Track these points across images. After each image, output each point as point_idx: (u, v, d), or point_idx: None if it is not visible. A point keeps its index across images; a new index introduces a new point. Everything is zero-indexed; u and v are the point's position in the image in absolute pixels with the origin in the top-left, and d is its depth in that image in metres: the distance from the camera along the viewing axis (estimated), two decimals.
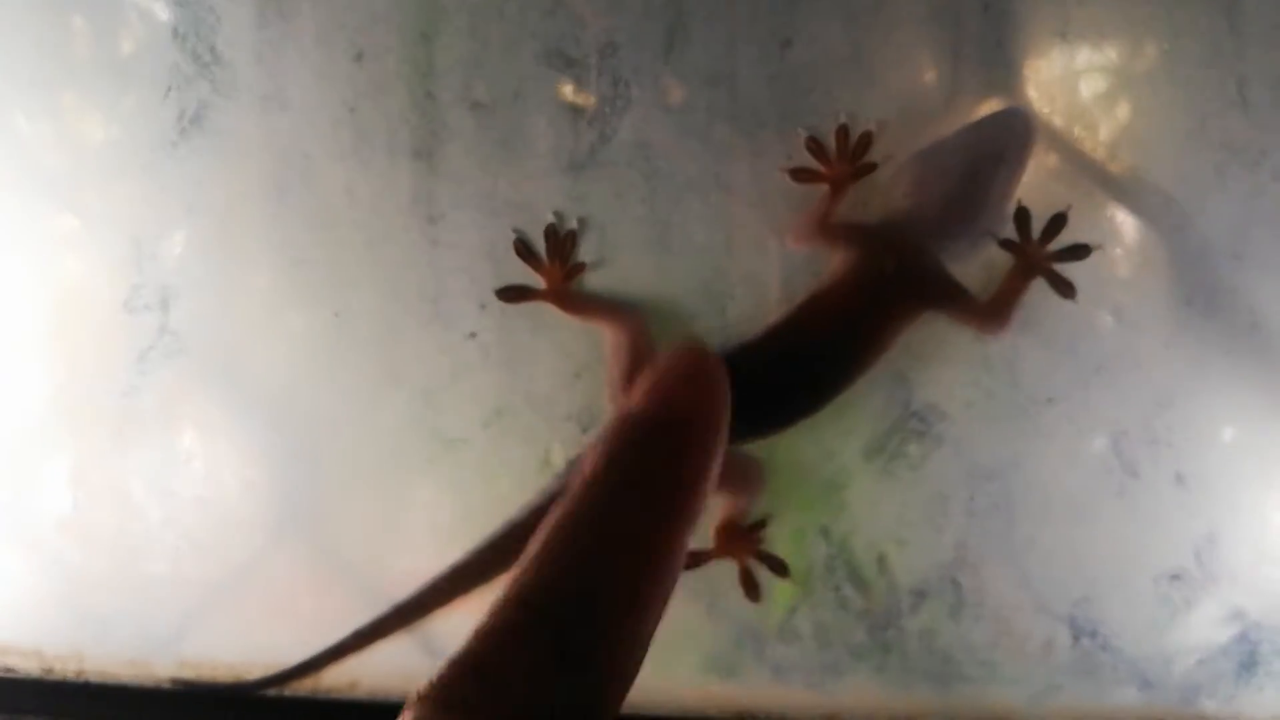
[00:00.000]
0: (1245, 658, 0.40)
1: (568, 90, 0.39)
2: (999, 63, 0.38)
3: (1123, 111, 0.38)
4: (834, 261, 0.38)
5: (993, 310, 0.38)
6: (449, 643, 0.41)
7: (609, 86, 0.39)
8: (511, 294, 0.40)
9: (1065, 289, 0.38)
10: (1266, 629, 0.40)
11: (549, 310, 0.40)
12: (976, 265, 0.38)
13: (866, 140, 0.38)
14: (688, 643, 0.41)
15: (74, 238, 0.42)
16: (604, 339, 0.40)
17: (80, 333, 0.42)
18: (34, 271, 0.42)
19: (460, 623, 0.41)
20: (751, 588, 0.40)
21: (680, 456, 0.23)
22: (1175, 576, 0.39)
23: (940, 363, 0.39)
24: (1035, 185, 0.38)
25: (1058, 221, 0.38)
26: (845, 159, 0.38)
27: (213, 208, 0.41)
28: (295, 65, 0.40)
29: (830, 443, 0.40)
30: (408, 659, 0.42)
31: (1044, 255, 0.38)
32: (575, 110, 0.39)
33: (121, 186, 0.41)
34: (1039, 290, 0.38)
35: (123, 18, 0.41)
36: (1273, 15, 0.37)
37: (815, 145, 0.38)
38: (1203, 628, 0.40)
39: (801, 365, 0.38)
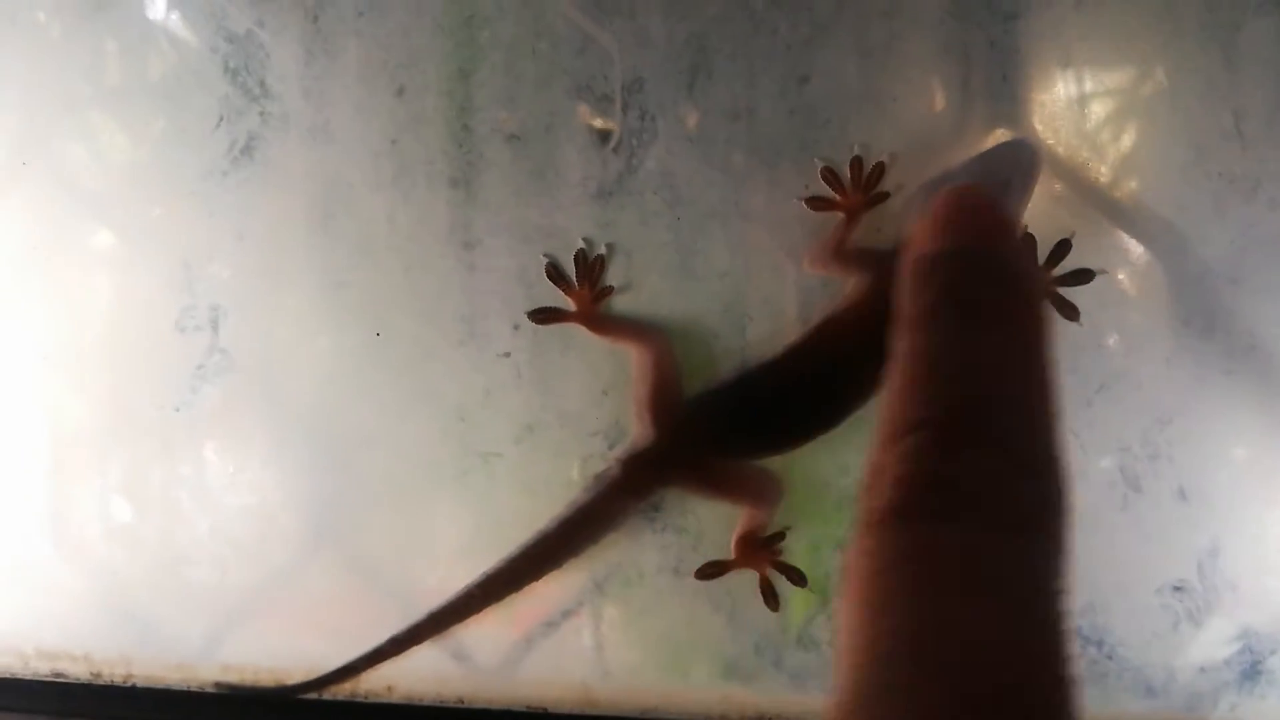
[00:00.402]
0: (1247, 667, 0.41)
1: (597, 123, 0.41)
2: (1005, 96, 0.40)
3: (1124, 142, 0.40)
4: (848, 285, 0.40)
5: None
6: (481, 648, 0.43)
7: (636, 120, 0.41)
8: (543, 316, 0.42)
9: (1070, 311, 0.40)
10: (1268, 639, 0.41)
11: (578, 331, 0.42)
12: None
13: (879, 170, 0.40)
14: (709, 650, 0.43)
15: (128, 260, 0.44)
16: (631, 359, 0.42)
17: (134, 349, 0.45)
18: (90, 291, 0.45)
19: (492, 631, 0.43)
20: (771, 597, 0.42)
21: (1002, 276, 0.24)
22: (1178, 588, 0.41)
23: None
24: (1041, 212, 0.39)
25: (1062, 247, 0.40)
26: (859, 188, 0.40)
27: (261, 233, 0.43)
28: (340, 100, 0.42)
29: (845, 458, 0.42)
30: (442, 664, 0.44)
31: (1049, 279, 0.40)
32: (604, 142, 0.41)
33: (174, 212, 0.44)
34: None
35: (176, 47, 0.43)
36: (1266, 51, 0.39)
37: (830, 175, 0.40)
38: (1205, 638, 0.41)
39: (818, 383, 0.39)
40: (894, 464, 0.21)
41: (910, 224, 0.27)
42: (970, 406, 0.21)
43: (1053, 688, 0.18)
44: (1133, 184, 0.40)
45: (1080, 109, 0.40)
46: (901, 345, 0.23)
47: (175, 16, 0.43)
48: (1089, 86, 0.40)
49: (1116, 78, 0.40)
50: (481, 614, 0.42)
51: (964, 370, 0.22)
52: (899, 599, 0.19)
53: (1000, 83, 0.40)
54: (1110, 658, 0.41)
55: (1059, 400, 0.22)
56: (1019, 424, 0.21)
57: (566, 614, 0.44)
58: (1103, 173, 0.40)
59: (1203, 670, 0.41)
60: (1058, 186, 0.40)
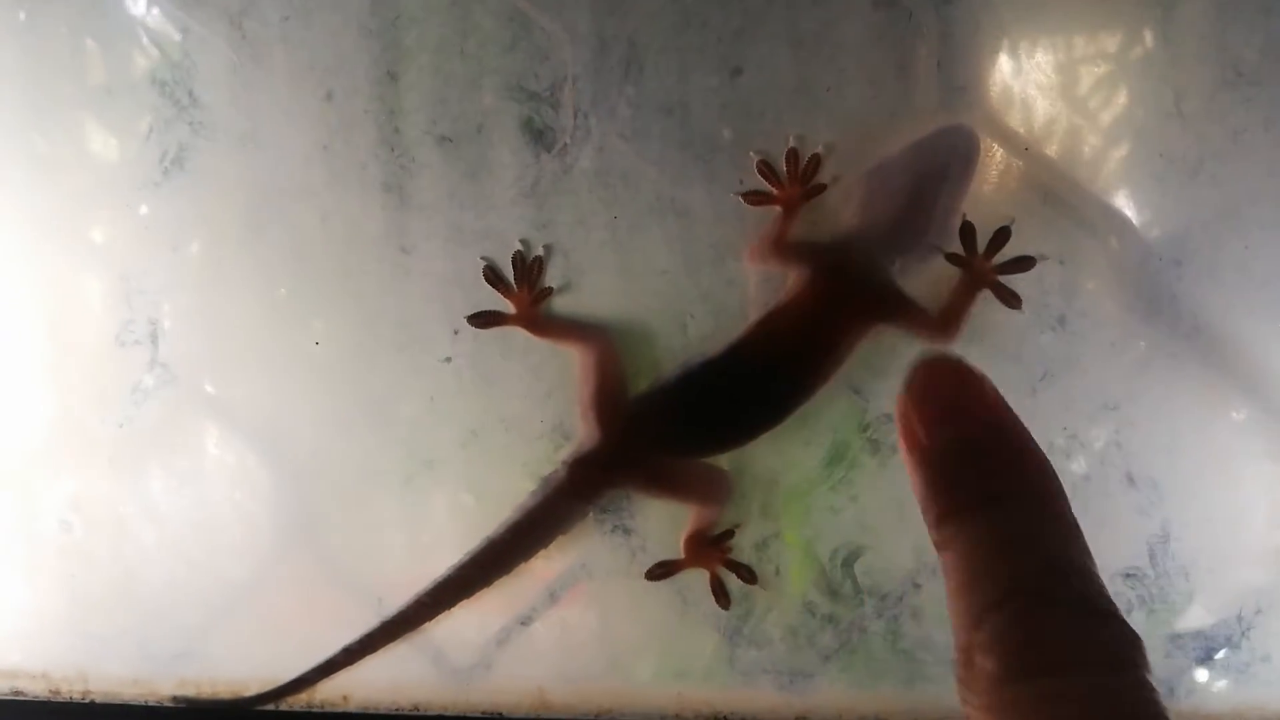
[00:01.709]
0: (1202, 652, 0.41)
1: (529, 123, 0.41)
2: (940, 83, 0.39)
3: (1063, 126, 0.39)
4: (789, 279, 0.40)
5: (942, 322, 0.39)
6: (436, 656, 0.43)
7: (569, 118, 0.40)
8: (483, 319, 0.42)
9: (1011, 299, 0.39)
10: (1222, 624, 0.41)
11: (519, 334, 0.42)
12: (925, 279, 0.39)
13: (815, 162, 0.39)
14: (662, 648, 0.43)
15: (66, 276, 0.44)
16: (573, 359, 0.41)
17: (76, 367, 0.44)
18: (30, 309, 0.44)
19: (447, 637, 0.43)
20: (722, 595, 0.42)
21: (1012, 450, 0.26)
22: (1130, 575, 0.41)
23: (894, 374, 0.40)
24: (980, 200, 0.39)
25: (1002, 235, 0.39)
26: (796, 181, 0.40)
27: (195, 244, 0.43)
28: (269, 106, 0.42)
29: (792, 453, 0.41)
30: (396, 671, 0.44)
31: (989, 268, 0.39)
32: (537, 141, 0.41)
33: (109, 226, 0.43)
34: (985, 301, 0.39)
35: (102, 59, 0.43)
36: (1203, 29, 0.38)
37: (767, 168, 0.40)
38: (1159, 624, 0.41)
39: (762, 380, 0.39)
40: (989, 639, 0.23)
41: (900, 406, 0.27)
42: (1041, 573, 0.24)
43: None
44: (1073, 167, 0.39)
45: (1017, 93, 0.39)
46: (950, 536, 0.25)
47: (100, 29, 0.42)
48: (1025, 70, 0.39)
49: (1053, 60, 0.39)
50: (434, 620, 0.42)
51: (1020, 545, 0.24)
52: None
53: (935, 68, 0.39)
54: None
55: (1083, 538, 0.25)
56: (1080, 576, 0.24)
57: (519, 619, 0.43)
58: (1041, 158, 0.39)
59: (1160, 657, 0.41)
60: (996, 173, 0.39)
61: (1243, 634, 0.41)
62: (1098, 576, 0.24)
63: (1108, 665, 0.22)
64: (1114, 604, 0.24)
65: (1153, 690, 0.22)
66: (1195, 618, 0.41)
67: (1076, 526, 0.25)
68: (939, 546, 0.25)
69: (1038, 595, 0.23)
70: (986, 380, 0.27)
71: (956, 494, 0.25)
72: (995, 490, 0.25)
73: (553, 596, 0.43)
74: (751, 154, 0.40)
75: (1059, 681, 0.22)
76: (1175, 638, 0.41)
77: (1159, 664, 0.41)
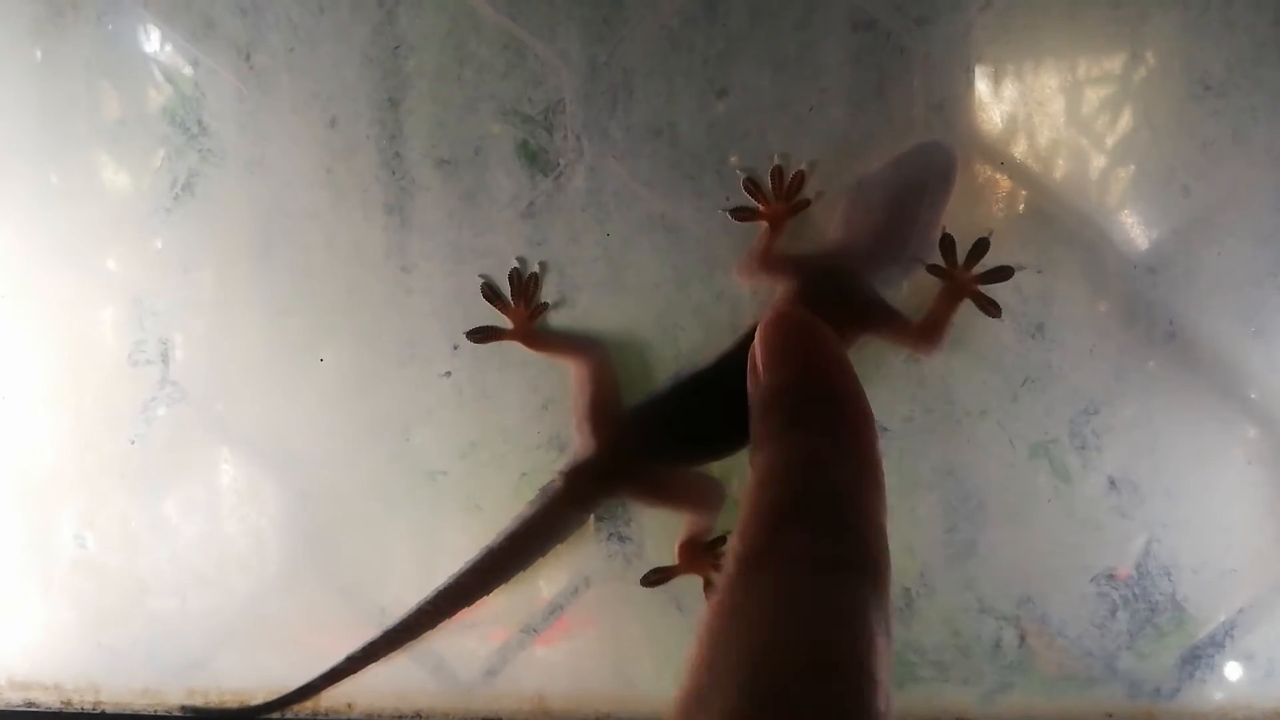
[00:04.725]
0: (1186, 652, 0.42)
1: (524, 145, 0.42)
2: (918, 100, 0.41)
3: (1039, 138, 0.41)
4: (777, 291, 0.41)
5: (925, 331, 0.40)
6: (438, 663, 0.44)
7: (562, 140, 0.42)
8: (481, 335, 0.43)
9: (991, 308, 0.40)
10: (1204, 623, 0.41)
11: (516, 348, 0.43)
12: (907, 290, 0.40)
13: (799, 179, 0.41)
14: (659, 654, 0.44)
15: (81, 298, 0.46)
16: (569, 372, 0.43)
17: (89, 386, 0.46)
18: (46, 330, 0.46)
19: (449, 644, 0.44)
20: None
21: (828, 396, 0.29)
22: (1112, 576, 0.41)
23: (878, 382, 0.42)
24: (959, 211, 0.40)
25: (981, 246, 0.40)
26: (781, 197, 0.41)
27: (206, 266, 0.44)
28: (275, 133, 0.43)
29: None
30: (399, 679, 0.45)
31: (970, 278, 0.40)
32: (532, 163, 0.42)
33: (122, 250, 0.45)
34: (967, 311, 0.40)
35: (115, 90, 0.44)
36: (1171, 43, 0.40)
37: (752, 186, 0.41)
38: (1142, 624, 0.42)
39: None
40: (737, 536, 0.25)
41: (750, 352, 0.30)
42: (802, 498, 0.26)
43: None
44: (1048, 178, 0.41)
45: (993, 109, 0.41)
46: (755, 457, 0.28)
47: (115, 66, 0.44)
48: (1001, 87, 0.41)
49: (1027, 77, 0.41)
50: (437, 629, 0.43)
51: (798, 470, 0.26)
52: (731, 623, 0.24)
53: (913, 87, 0.41)
54: (1050, 648, 0.42)
55: (880, 482, 0.27)
56: (837, 501, 0.26)
57: (520, 627, 0.44)
58: (1017, 170, 0.41)
59: (1142, 657, 0.42)
60: (974, 186, 0.41)
61: (1226, 634, 0.41)
62: (866, 505, 0.26)
63: (811, 568, 0.24)
64: (860, 536, 0.25)
65: (847, 598, 0.23)
66: (1177, 617, 0.41)
67: (871, 463, 0.27)
68: (750, 465, 0.27)
69: (791, 513, 0.25)
70: (818, 334, 0.30)
71: (768, 422, 0.28)
72: (795, 423, 0.27)
73: (550, 604, 0.44)
74: (738, 171, 0.41)
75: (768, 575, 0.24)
76: (1159, 636, 0.42)
77: (1142, 664, 0.41)
